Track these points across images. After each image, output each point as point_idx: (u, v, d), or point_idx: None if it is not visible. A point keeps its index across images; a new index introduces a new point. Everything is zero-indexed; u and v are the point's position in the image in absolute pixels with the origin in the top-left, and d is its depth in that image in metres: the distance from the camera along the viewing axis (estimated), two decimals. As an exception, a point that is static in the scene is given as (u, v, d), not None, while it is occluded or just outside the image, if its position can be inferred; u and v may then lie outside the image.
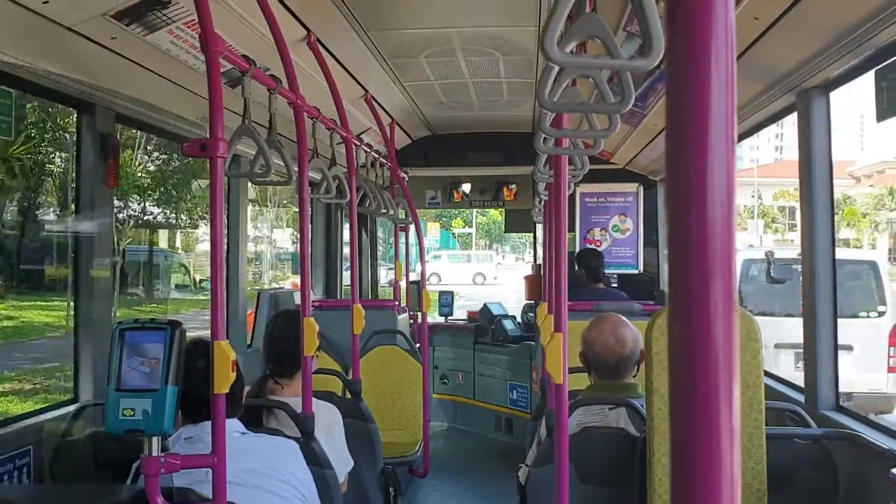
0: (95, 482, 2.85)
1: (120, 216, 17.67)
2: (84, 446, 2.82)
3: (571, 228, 6.60)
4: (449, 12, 3.36)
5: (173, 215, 21.64)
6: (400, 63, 4.10)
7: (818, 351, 2.88)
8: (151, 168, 19.16)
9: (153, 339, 1.80)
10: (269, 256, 29.61)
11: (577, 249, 6.13)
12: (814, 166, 2.90)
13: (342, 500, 2.58)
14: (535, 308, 6.25)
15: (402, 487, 4.11)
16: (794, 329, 7.59)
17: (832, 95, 2.89)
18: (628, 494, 2.50)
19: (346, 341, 3.79)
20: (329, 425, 2.73)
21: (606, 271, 6.11)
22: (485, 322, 6.77)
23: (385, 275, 12.24)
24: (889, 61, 2.44)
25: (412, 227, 5.62)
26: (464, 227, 46.43)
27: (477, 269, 35.14)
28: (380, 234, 8.36)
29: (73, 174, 3.23)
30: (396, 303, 5.54)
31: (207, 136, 1.85)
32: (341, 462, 2.72)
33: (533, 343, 5.96)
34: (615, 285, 6.10)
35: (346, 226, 6.65)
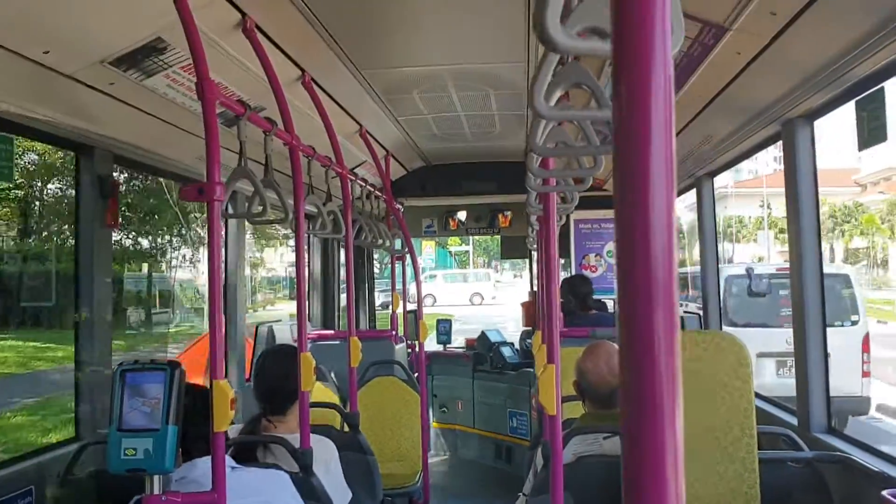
0: None
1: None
2: (86, 485, 2.84)
3: (567, 255, 6.66)
4: (440, 50, 3.44)
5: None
6: (393, 99, 4.17)
7: (809, 375, 2.91)
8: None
9: (153, 380, 1.84)
10: (257, 280, 29.31)
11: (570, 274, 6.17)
12: (800, 193, 2.96)
13: None
14: (532, 335, 6.27)
15: None
16: (773, 338, 8.54)
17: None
18: None
19: (344, 373, 3.82)
20: (325, 460, 2.74)
21: (603, 297, 6.15)
22: (483, 349, 6.78)
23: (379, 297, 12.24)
24: (869, 92, 2.51)
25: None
26: (461, 245, 44.17)
27: (474, 289, 33.51)
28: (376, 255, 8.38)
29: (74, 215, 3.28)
30: (394, 332, 5.56)
31: (205, 176, 1.90)
32: (339, 495, 2.73)
33: (532, 370, 5.98)
34: (611, 311, 6.13)
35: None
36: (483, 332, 6.97)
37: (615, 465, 2.66)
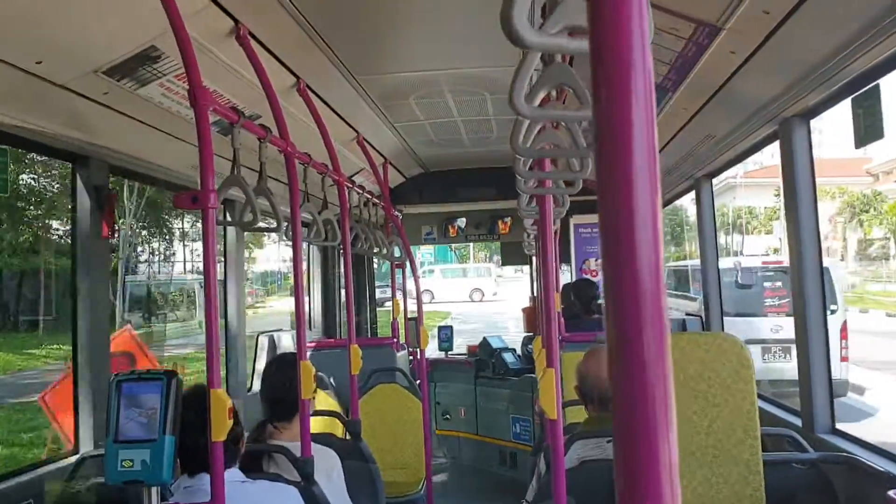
0: None
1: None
2: (85, 498, 2.82)
3: (567, 259, 6.64)
4: (435, 56, 3.43)
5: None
6: (390, 105, 4.16)
7: (812, 376, 2.89)
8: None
9: (150, 390, 1.82)
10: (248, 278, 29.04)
11: (573, 280, 6.15)
12: (798, 192, 2.94)
13: None
14: (533, 340, 6.26)
15: None
16: (759, 326, 9.70)
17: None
18: None
19: (345, 381, 3.81)
20: (327, 470, 2.74)
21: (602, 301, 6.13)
22: (485, 356, 6.76)
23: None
24: (864, 89, 2.50)
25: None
26: None
27: (474, 285, 31.67)
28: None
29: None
30: (395, 340, 5.55)
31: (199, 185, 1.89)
32: None
33: (534, 375, 5.96)
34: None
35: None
36: (485, 339, 6.96)
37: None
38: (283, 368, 2.88)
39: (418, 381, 5.04)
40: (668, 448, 0.52)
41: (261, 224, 2.61)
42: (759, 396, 2.54)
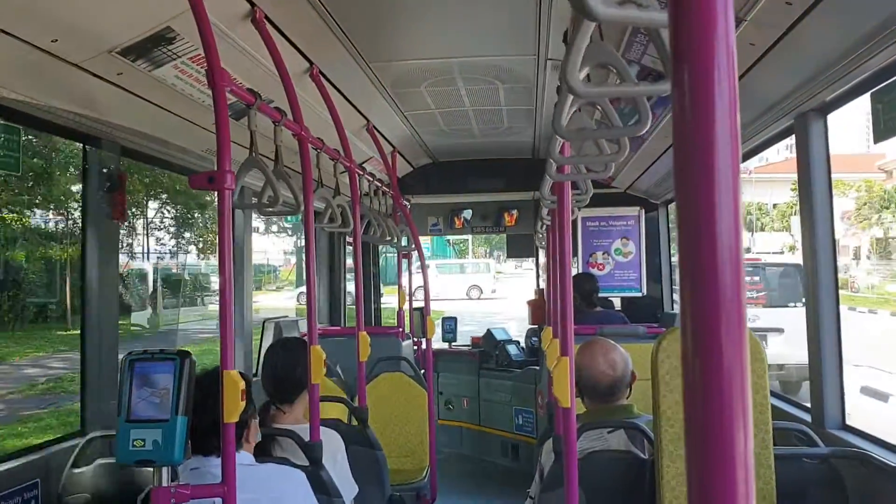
0: None
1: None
2: (92, 478, 2.82)
3: (574, 253, 6.63)
4: (449, 43, 3.41)
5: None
6: (401, 93, 4.14)
7: (824, 371, 2.88)
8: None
9: (162, 370, 1.81)
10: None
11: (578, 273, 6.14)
12: (814, 187, 2.93)
13: None
14: (538, 332, 6.26)
15: None
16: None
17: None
18: None
19: (350, 368, 3.80)
20: (333, 452, 2.75)
21: (610, 295, 6.12)
22: (489, 347, 6.78)
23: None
24: (884, 84, 2.47)
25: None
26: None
27: (472, 282, 30.15)
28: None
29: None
30: (400, 329, 5.55)
31: (213, 168, 1.88)
32: (346, 488, 2.73)
33: (537, 367, 5.96)
34: (619, 308, 6.11)
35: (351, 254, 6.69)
36: (489, 331, 6.98)
37: (623, 461, 2.62)
38: (287, 350, 2.91)
39: (423, 371, 5.04)
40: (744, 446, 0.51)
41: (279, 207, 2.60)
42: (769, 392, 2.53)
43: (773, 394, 3.26)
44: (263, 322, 5.00)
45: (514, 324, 12.51)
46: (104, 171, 3.14)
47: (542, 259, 6.93)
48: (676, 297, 6.13)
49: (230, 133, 1.91)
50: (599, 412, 2.80)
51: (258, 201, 2.55)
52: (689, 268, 0.53)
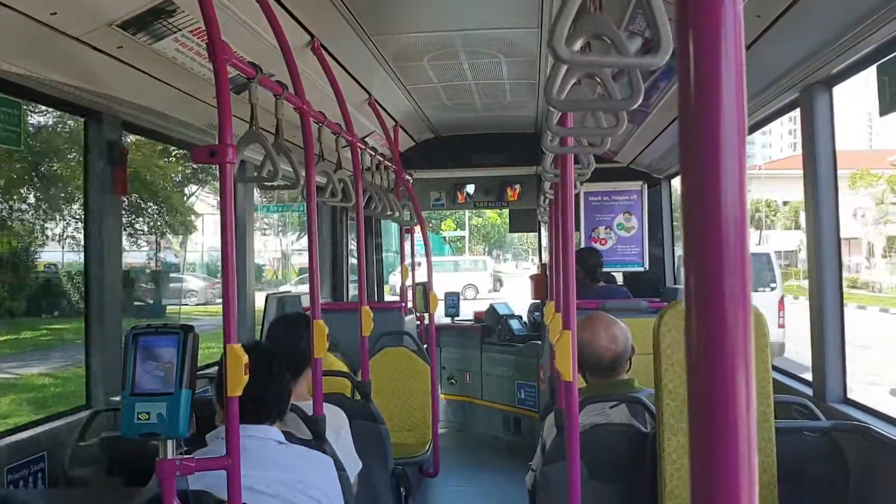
0: (109, 487, 2.88)
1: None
2: (98, 452, 2.85)
3: (576, 227, 6.62)
4: (452, 15, 3.38)
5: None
6: (403, 66, 4.11)
7: (825, 344, 2.88)
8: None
9: (166, 344, 1.82)
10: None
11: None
12: (818, 162, 2.91)
13: (355, 502, 2.59)
14: (541, 307, 6.28)
15: (413, 488, 4.12)
16: None
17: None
18: (638, 490, 2.51)
19: (353, 343, 3.81)
20: (336, 428, 2.76)
21: (612, 269, 6.12)
22: (491, 322, 6.79)
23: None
24: (890, 56, 2.45)
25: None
26: (455, 230, 39.07)
27: (467, 280, 27.81)
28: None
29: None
30: (403, 304, 5.56)
31: (214, 142, 1.87)
32: (350, 463, 2.74)
33: (540, 342, 5.98)
34: (621, 283, 6.11)
35: (353, 229, 6.68)
36: (491, 305, 6.99)
37: (625, 434, 2.64)
38: (290, 324, 2.92)
39: (425, 346, 5.05)
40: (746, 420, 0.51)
41: (279, 182, 2.59)
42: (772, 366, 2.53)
43: (775, 368, 3.27)
44: (266, 296, 5.01)
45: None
46: (106, 145, 3.13)
47: (545, 236, 6.93)
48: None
49: (232, 107, 1.89)
50: (601, 387, 2.81)
51: (258, 175, 2.54)
52: (694, 240, 0.53)
